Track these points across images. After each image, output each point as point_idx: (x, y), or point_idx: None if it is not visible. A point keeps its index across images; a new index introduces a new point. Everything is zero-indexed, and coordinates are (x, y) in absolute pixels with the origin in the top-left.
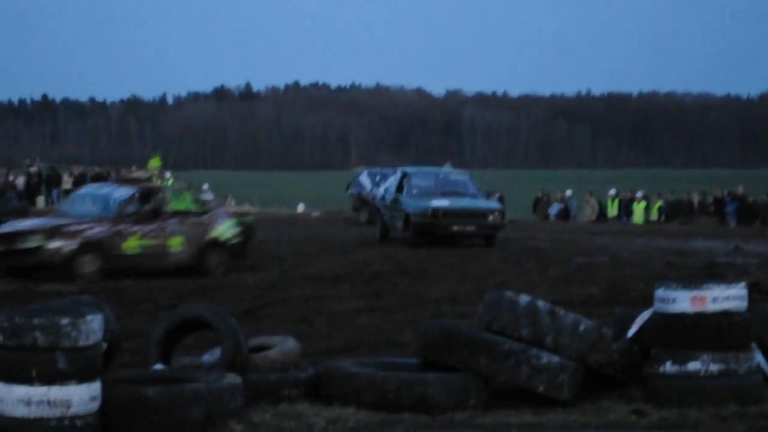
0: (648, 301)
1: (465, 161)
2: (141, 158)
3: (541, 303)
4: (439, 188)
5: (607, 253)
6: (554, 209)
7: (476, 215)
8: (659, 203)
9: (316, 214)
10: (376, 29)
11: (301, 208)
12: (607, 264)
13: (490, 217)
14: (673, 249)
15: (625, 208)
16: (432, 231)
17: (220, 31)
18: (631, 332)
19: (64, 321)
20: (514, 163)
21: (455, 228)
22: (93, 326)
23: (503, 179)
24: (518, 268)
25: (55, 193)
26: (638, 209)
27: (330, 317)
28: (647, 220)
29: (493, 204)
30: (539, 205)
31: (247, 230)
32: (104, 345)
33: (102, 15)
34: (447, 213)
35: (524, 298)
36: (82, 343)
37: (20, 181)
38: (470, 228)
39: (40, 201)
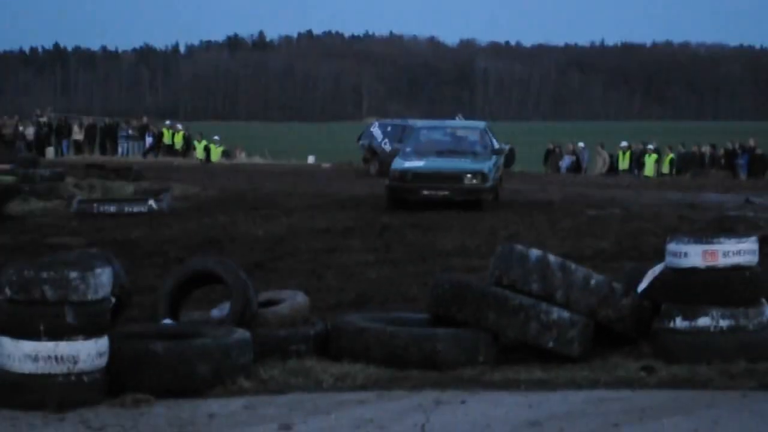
0: (659, 255)
1: (477, 112)
2: (153, 109)
3: (551, 257)
4: (438, 146)
5: (619, 206)
6: (566, 161)
7: (450, 178)
8: (670, 156)
9: (326, 166)
10: None
11: (311, 160)
12: (619, 217)
13: (466, 181)
14: (684, 202)
15: (637, 161)
16: (402, 195)
17: None
18: (641, 287)
19: (73, 274)
20: (526, 115)
21: (425, 192)
22: (102, 280)
23: (515, 131)
24: (529, 221)
25: (65, 143)
26: (649, 162)
27: (340, 271)
28: (658, 173)
29: (475, 165)
30: (550, 157)
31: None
32: (113, 299)
33: None
34: (418, 175)
35: (535, 252)
36: (90, 297)
37: (30, 131)
38: (442, 193)
39: (50, 152)
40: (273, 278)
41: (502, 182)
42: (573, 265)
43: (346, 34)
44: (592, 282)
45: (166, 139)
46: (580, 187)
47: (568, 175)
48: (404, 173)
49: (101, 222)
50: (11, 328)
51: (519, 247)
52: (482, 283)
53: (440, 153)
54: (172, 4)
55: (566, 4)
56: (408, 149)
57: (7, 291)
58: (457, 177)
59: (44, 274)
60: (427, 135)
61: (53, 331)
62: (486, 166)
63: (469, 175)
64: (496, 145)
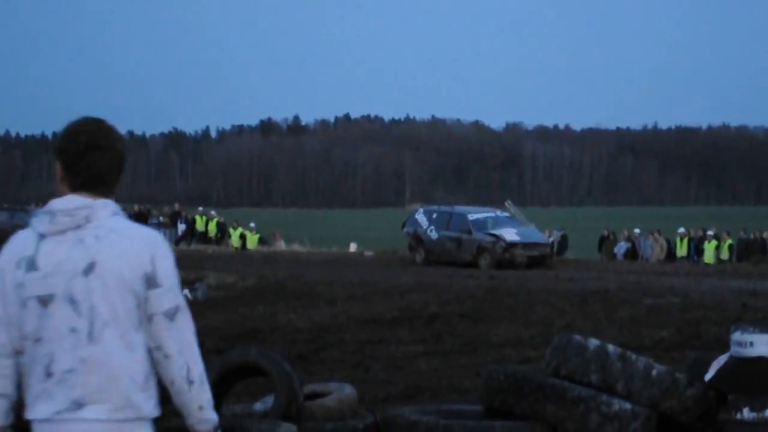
0: (722, 344)
1: (525, 197)
2: (183, 195)
3: (611, 347)
4: None
5: (678, 294)
6: (621, 248)
7: None
8: (729, 241)
9: (369, 254)
10: (431, 59)
11: (353, 247)
12: (678, 305)
13: None
14: (747, 290)
15: (695, 247)
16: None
17: (267, 60)
18: (707, 377)
19: None
20: (577, 200)
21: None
22: None
23: (566, 216)
24: (584, 310)
25: None
26: (709, 248)
27: (388, 362)
28: (718, 260)
29: None
30: (605, 243)
31: None
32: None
33: (141, 43)
34: None
35: (593, 342)
36: None
37: None
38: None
39: None
40: (317, 370)
41: None
42: (633, 356)
43: (386, 118)
44: (654, 372)
45: (200, 226)
46: (636, 275)
47: (624, 262)
48: None
49: None
50: None
51: (577, 337)
52: (539, 374)
53: None
54: (202, 87)
55: (617, 86)
56: None
57: None
58: None
59: None
60: None
61: None
62: None
63: None
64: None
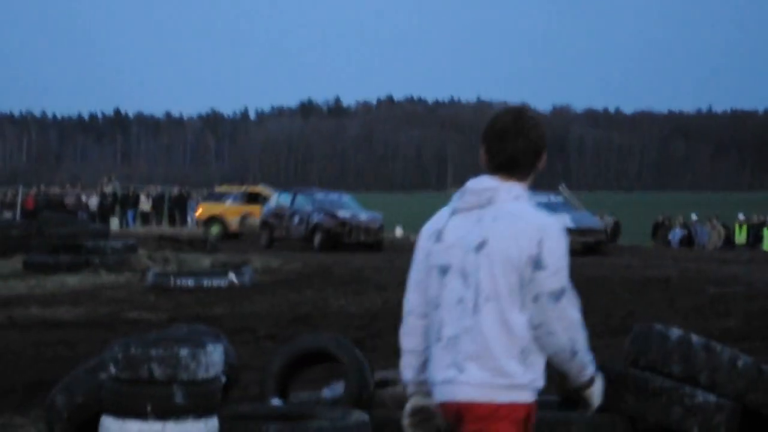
0: None
1: (573, 182)
2: (219, 178)
3: (695, 337)
4: None
5: (742, 282)
6: (676, 235)
7: None
8: None
9: (415, 238)
10: (477, 40)
11: (398, 232)
12: (743, 294)
13: None
14: None
15: (755, 234)
16: None
17: (308, 41)
18: None
19: (184, 352)
20: (626, 185)
21: None
22: (213, 358)
23: (616, 201)
24: (645, 299)
25: (130, 214)
26: None
27: None
28: None
29: None
30: (659, 230)
31: None
32: (223, 378)
33: (179, 24)
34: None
35: (676, 332)
36: (201, 375)
37: (93, 201)
38: None
39: (114, 223)
40: (374, 357)
41: None
42: (718, 346)
43: (430, 100)
44: (740, 363)
45: None
46: (695, 263)
47: (680, 249)
48: None
49: (179, 296)
50: (117, 407)
51: (658, 326)
52: (618, 364)
53: None
54: (240, 68)
55: (669, 69)
56: None
57: (113, 369)
58: None
59: (153, 352)
60: None
61: (161, 411)
62: None
63: None
64: None
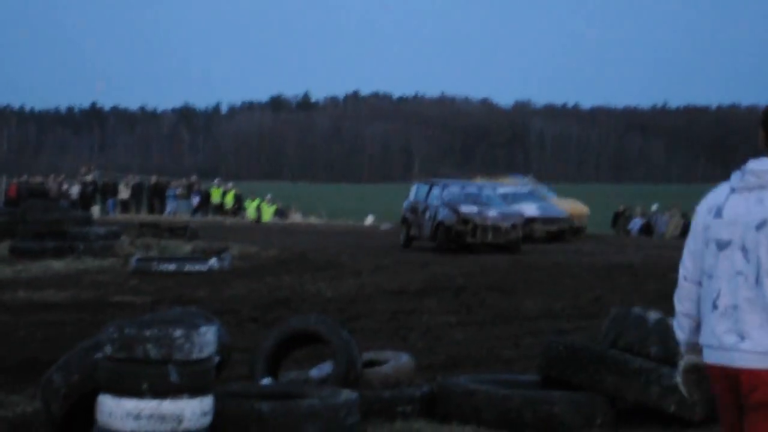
0: None
1: (533, 174)
2: (193, 169)
3: (671, 320)
4: None
5: None
6: (636, 224)
7: None
8: None
9: (385, 226)
10: (440, 37)
11: (369, 220)
12: None
13: None
14: None
15: None
16: None
17: (277, 38)
18: None
19: (178, 333)
20: (584, 177)
21: None
22: (207, 338)
23: (576, 193)
24: (611, 284)
25: (110, 202)
26: None
27: (423, 332)
28: None
29: None
30: (620, 219)
31: None
32: (217, 358)
33: (153, 21)
34: None
35: (654, 315)
36: (195, 356)
37: (74, 190)
38: None
39: (95, 211)
40: (354, 339)
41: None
42: None
43: (395, 95)
44: None
45: (216, 198)
46: (657, 250)
47: (640, 237)
48: None
49: (161, 281)
50: (113, 385)
51: (636, 309)
52: (598, 345)
53: None
54: (213, 63)
55: (625, 65)
56: None
57: (108, 348)
58: None
59: (147, 333)
60: None
61: (157, 390)
62: None
63: None
64: None
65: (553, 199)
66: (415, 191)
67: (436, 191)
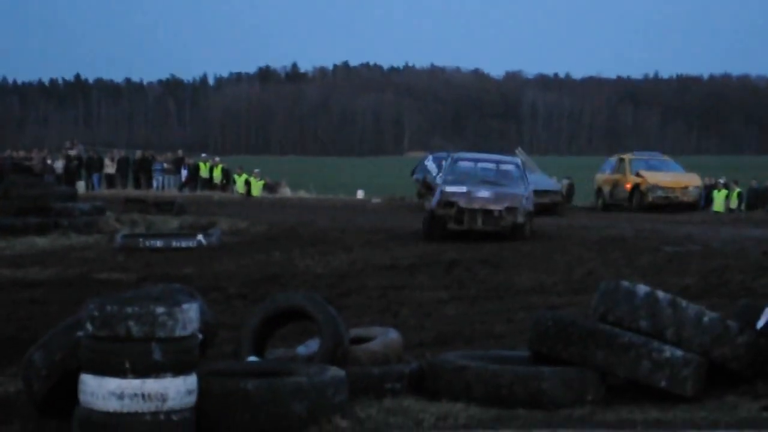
0: (748, 292)
1: (524, 146)
2: (180, 143)
3: (661, 293)
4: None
5: (697, 242)
6: None
7: None
8: (737, 190)
9: (376, 201)
10: (431, 6)
11: (360, 194)
12: (699, 254)
13: None
14: (765, 238)
15: (706, 196)
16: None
17: (265, 7)
18: (759, 324)
19: (160, 310)
20: (577, 149)
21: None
22: (190, 315)
23: (568, 165)
24: (604, 258)
25: (95, 177)
26: (719, 197)
27: (414, 307)
28: (727, 209)
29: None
30: None
31: None
32: (200, 336)
33: None
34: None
35: (643, 288)
36: (178, 333)
37: (58, 165)
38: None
39: (80, 186)
40: (344, 315)
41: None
42: (684, 302)
43: (385, 66)
44: (705, 319)
45: (203, 173)
46: (649, 223)
47: None
48: None
49: (148, 257)
50: (94, 365)
51: (625, 283)
52: (587, 320)
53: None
54: (199, 34)
55: (618, 35)
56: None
57: (89, 327)
58: None
59: (129, 310)
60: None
61: (139, 369)
62: None
63: None
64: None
65: (679, 172)
66: (426, 165)
67: (444, 166)
